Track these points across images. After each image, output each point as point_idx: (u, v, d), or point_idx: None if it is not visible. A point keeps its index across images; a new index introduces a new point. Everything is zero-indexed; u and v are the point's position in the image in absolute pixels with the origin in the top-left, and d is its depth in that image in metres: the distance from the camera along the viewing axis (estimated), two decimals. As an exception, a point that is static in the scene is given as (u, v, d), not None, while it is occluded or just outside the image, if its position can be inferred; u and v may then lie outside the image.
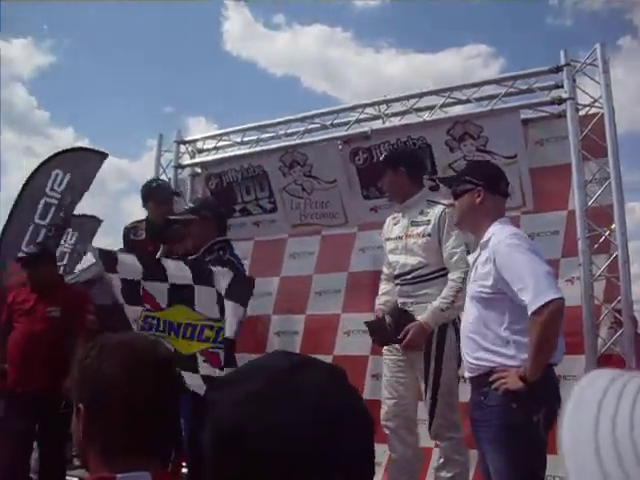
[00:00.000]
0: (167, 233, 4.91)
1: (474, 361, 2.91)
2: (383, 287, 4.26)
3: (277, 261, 5.89)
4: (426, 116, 5.16)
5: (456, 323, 3.77)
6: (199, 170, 6.38)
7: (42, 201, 6.45)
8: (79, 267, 7.70)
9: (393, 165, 4.11)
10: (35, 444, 4.80)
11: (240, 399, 0.80)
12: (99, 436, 1.38)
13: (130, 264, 3.93)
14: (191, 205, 4.67)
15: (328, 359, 5.04)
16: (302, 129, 5.76)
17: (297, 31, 28.18)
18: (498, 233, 2.95)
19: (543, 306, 2.65)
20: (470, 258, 3.18)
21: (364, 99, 5.56)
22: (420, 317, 3.81)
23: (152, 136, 6.95)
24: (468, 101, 5.09)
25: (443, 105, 5.17)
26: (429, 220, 3.93)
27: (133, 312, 3.84)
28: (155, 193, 5.28)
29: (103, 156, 6.78)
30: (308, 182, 5.59)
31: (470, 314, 2.99)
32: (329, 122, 5.67)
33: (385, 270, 4.27)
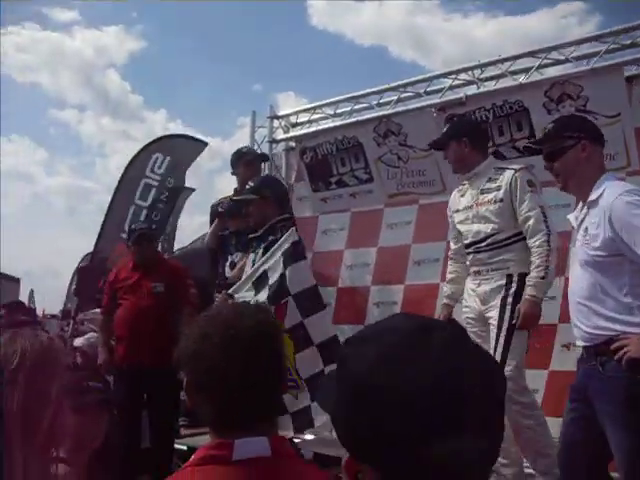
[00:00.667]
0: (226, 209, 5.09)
1: (591, 330, 2.74)
2: (452, 269, 4.25)
3: (374, 232, 5.95)
4: (522, 79, 5.04)
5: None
6: (293, 144, 6.49)
7: (142, 182, 6.72)
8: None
9: (456, 136, 4.05)
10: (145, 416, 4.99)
11: (376, 356, 0.83)
12: (206, 406, 1.44)
13: (302, 274, 4.03)
14: (251, 184, 4.73)
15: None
16: (395, 98, 5.75)
17: (383, 1, 27.74)
18: (610, 189, 2.74)
19: None
20: (572, 218, 2.99)
21: (454, 66, 5.49)
22: (525, 294, 3.71)
23: (243, 114, 7.20)
24: (567, 61, 4.93)
25: (540, 66, 5.03)
26: (499, 186, 3.85)
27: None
28: (244, 155, 5.46)
29: (203, 144, 7.03)
30: (404, 151, 5.60)
31: (582, 280, 2.80)
32: (422, 90, 5.64)
33: (453, 245, 4.23)
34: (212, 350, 1.41)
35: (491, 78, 5.29)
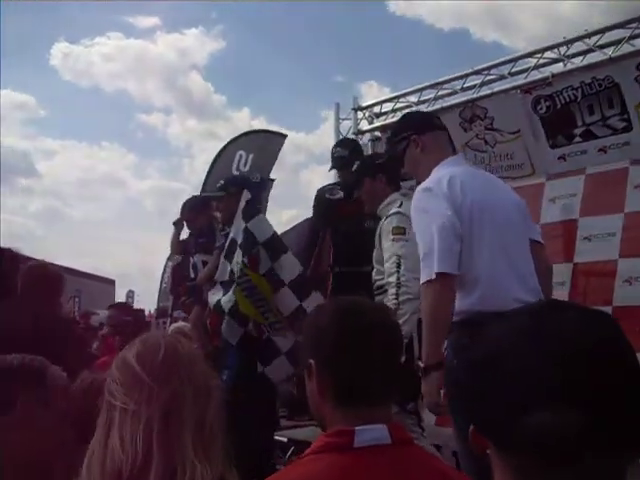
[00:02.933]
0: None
1: None
2: None
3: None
4: (611, 52, 4.85)
5: None
6: (379, 134, 6.52)
7: None
8: None
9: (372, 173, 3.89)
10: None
11: (507, 328, 0.91)
12: (332, 390, 1.45)
13: (264, 225, 4.25)
14: (221, 182, 4.82)
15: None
16: (479, 82, 5.67)
17: (461, -19, 27.04)
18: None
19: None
20: None
21: (539, 44, 5.34)
22: None
23: (325, 107, 7.24)
24: (660, 30, 4.71)
25: (631, 37, 4.82)
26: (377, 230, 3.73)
27: (238, 256, 4.15)
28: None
29: (282, 137, 7.13)
30: (490, 135, 5.53)
31: None
32: (507, 72, 5.52)
33: None
34: (343, 326, 1.46)
35: (578, 54, 5.12)
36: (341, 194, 4.94)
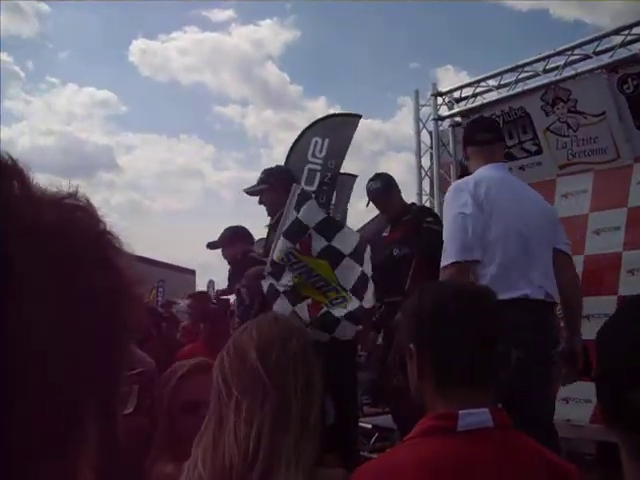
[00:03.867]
0: None
1: None
2: None
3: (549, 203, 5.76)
4: None
5: None
6: (459, 119, 6.43)
7: (306, 168, 6.91)
8: None
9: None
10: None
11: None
12: (433, 372, 1.47)
13: (314, 211, 4.15)
14: (260, 176, 4.72)
15: (611, 300, 4.89)
16: (562, 63, 5.50)
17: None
18: None
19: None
20: None
21: (625, 20, 5.13)
22: None
23: (403, 94, 7.21)
24: None
25: None
26: None
27: (283, 244, 4.04)
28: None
29: (357, 118, 7.06)
30: (573, 118, 5.36)
31: None
32: (591, 51, 5.34)
33: None
34: (443, 307, 1.49)
35: (668, 29, 4.89)
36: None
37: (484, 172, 3.18)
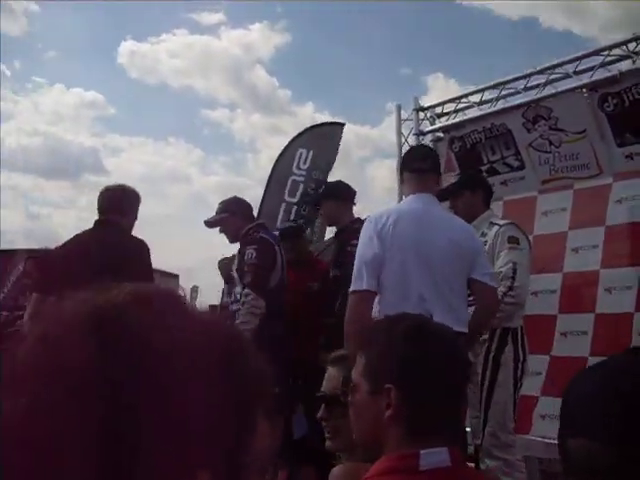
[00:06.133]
0: None
1: None
2: None
3: (529, 219, 5.79)
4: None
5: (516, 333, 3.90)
6: (441, 135, 6.47)
7: (290, 180, 6.87)
8: None
9: (472, 187, 4.38)
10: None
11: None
12: (409, 416, 1.44)
13: None
14: (219, 206, 4.83)
15: (588, 318, 4.92)
16: (543, 81, 5.55)
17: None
18: None
19: None
20: None
21: (613, 32, 5.29)
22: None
23: (391, 100, 7.18)
24: None
25: None
26: (486, 241, 4.00)
27: None
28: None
29: (341, 126, 7.03)
30: (555, 135, 5.40)
31: None
32: (571, 70, 5.39)
33: None
34: (435, 353, 1.48)
35: (647, 50, 4.95)
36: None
37: (403, 205, 3.46)
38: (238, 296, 4.37)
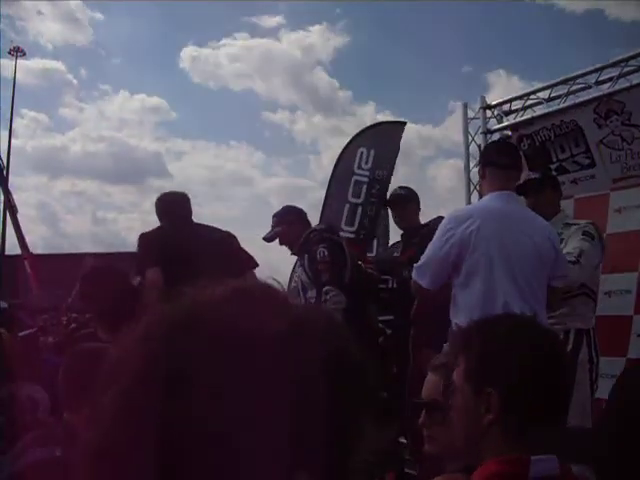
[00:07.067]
0: None
1: None
2: None
3: (601, 217, 5.61)
4: None
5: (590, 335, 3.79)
6: (509, 133, 6.34)
7: (352, 180, 6.83)
8: None
9: (554, 185, 4.30)
10: None
11: None
12: (510, 420, 1.40)
13: None
14: (273, 220, 4.90)
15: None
16: (615, 74, 5.38)
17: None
18: None
19: None
20: None
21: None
22: None
23: (454, 99, 7.08)
24: None
25: None
26: (562, 239, 3.83)
27: None
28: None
29: (401, 125, 6.95)
30: (628, 131, 5.23)
31: None
32: (645, 62, 5.21)
33: None
34: (537, 352, 1.46)
35: None
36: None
37: (488, 204, 3.34)
38: (312, 300, 4.40)
